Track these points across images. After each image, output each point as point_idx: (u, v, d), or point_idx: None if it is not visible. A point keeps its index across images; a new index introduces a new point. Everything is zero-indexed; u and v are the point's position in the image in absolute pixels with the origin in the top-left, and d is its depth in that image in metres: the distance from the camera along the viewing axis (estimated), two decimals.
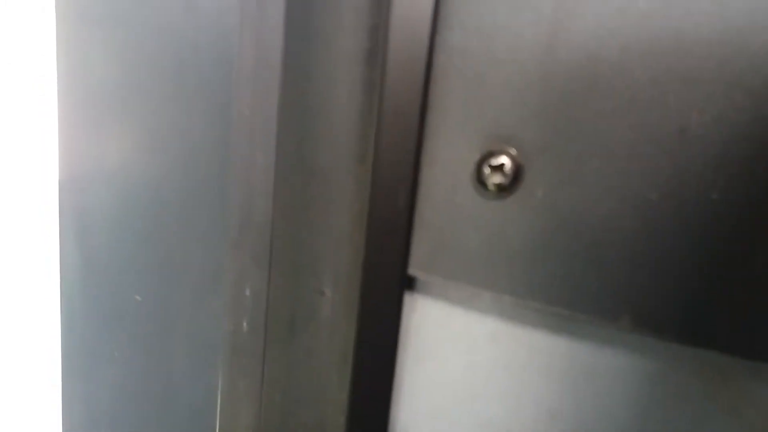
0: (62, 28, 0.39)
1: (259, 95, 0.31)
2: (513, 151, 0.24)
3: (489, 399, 0.28)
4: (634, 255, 0.23)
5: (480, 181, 0.25)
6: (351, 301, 0.32)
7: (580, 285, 0.24)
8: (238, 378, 0.36)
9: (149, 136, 0.37)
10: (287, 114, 0.31)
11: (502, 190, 0.25)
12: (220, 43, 0.34)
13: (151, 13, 0.35)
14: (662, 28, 0.21)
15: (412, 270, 0.28)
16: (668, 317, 0.23)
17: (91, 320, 0.43)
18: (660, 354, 0.25)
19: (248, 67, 0.32)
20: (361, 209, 0.30)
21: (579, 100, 0.23)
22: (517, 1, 0.23)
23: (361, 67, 0.29)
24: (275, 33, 0.30)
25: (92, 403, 0.45)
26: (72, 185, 0.41)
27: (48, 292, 0.47)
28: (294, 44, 0.30)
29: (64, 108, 0.41)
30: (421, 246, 0.27)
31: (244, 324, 0.35)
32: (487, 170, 0.25)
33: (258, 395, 0.36)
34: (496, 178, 0.25)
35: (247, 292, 0.35)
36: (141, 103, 0.37)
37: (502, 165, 0.24)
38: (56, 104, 0.40)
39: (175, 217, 0.37)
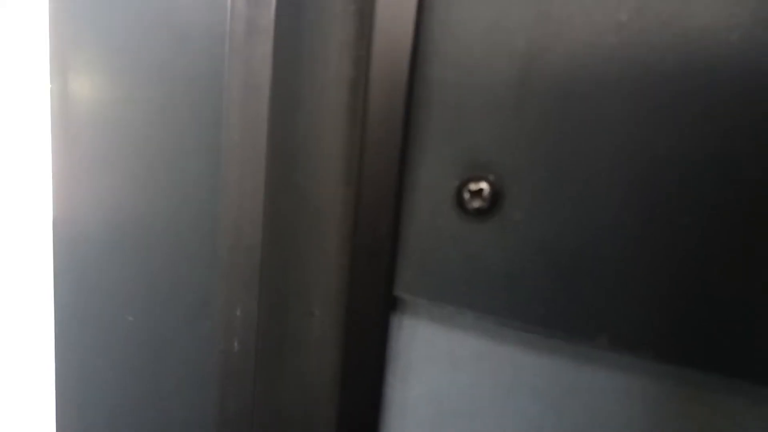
0: (55, 58, 0.40)
1: (248, 122, 0.32)
2: (491, 177, 0.25)
3: (474, 415, 0.29)
4: (609, 277, 0.24)
5: (460, 205, 0.26)
6: (339, 321, 0.33)
7: (557, 305, 0.25)
8: (229, 398, 0.37)
9: (141, 162, 0.38)
10: (275, 140, 0.32)
11: (482, 213, 0.26)
12: (210, 72, 0.35)
13: (142, 44, 0.36)
14: (630, 61, 0.22)
15: (398, 291, 0.29)
16: (644, 336, 0.24)
17: (84, 338, 0.43)
18: (638, 371, 0.26)
19: (237, 95, 0.33)
20: (347, 232, 0.31)
21: (551, 129, 0.24)
22: (493, 37, 0.24)
23: (345, 95, 0.30)
24: (264, 62, 0.31)
25: (86, 423, 0.45)
26: (66, 209, 0.42)
27: (42, 310, 0.48)
28: (281, 73, 0.31)
29: (57, 136, 0.41)
30: (406, 268, 0.28)
31: (235, 344, 0.36)
32: (466, 195, 0.26)
33: (250, 414, 0.36)
34: (476, 203, 0.26)
35: (238, 313, 0.35)
36: (133, 128, 0.38)
37: (481, 190, 0.25)
38: (50, 129, 0.41)
39: (167, 240, 0.38)
